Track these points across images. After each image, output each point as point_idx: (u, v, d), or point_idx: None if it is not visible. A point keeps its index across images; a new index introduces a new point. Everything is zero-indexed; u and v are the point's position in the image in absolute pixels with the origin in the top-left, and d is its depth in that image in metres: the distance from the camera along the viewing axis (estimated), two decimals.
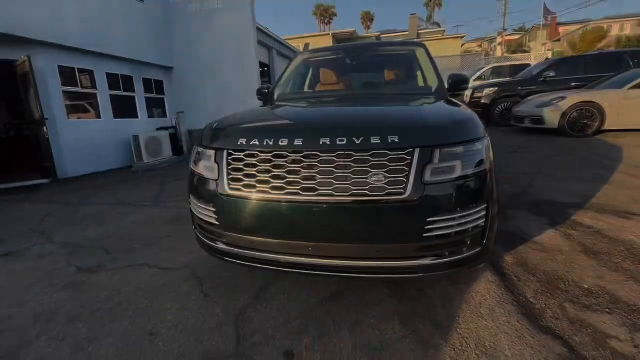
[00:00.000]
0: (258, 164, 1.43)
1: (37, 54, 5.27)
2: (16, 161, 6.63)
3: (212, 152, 1.58)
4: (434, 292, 1.78)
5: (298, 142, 1.39)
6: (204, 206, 1.58)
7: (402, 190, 1.27)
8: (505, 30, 40.42)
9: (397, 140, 1.31)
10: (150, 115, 8.16)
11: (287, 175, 1.37)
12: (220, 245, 1.59)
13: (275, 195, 1.38)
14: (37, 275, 2.22)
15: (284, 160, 1.39)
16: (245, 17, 7.56)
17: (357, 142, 1.33)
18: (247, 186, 1.44)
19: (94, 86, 6.49)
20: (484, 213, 1.40)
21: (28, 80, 5.00)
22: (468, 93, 9.38)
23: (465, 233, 1.37)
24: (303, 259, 1.42)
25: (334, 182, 1.32)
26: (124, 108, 7.23)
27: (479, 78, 11.22)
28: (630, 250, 2.08)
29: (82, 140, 6.12)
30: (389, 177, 1.29)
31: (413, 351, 1.39)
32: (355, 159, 1.32)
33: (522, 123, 7.12)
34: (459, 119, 1.50)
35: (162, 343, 1.53)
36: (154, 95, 8.24)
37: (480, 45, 50.65)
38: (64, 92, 5.87)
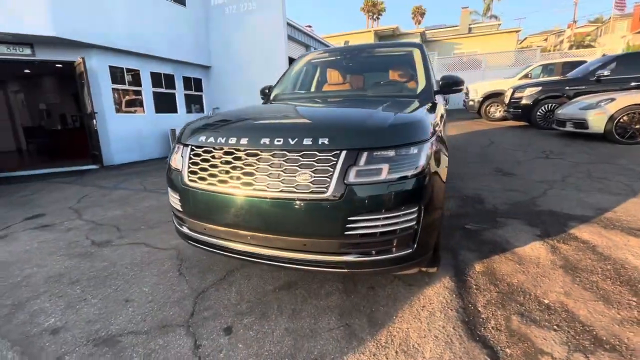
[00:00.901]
0: (211, 159, 1.61)
1: (91, 56, 6.06)
2: (76, 149, 7.68)
3: (180, 147, 1.79)
4: (384, 291, 1.83)
5: (244, 141, 1.53)
6: (173, 194, 1.81)
7: (325, 190, 1.36)
8: (575, 21, 36.29)
9: (326, 142, 1.40)
10: (189, 111, 8.87)
11: (232, 171, 1.53)
12: (185, 229, 1.81)
13: (221, 188, 1.54)
14: (60, 245, 2.66)
15: (231, 157, 1.55)
16: (276, 17, 7.85)
17: (292, 142, 1.44)
18: (200, 178, 1.62)
19: (139, 84, 7.26)
20: (414, 216, 1.42)
21: (83, 79, 5.79)
22: (508, 92, 8.74)
23: (392, 234, 1.41)
24: (245, 247, 1.57)
25: (268, 178, 1.45)
26: (165, 104, 7.96)
27: (525, 76, 10.35)
28: (617, 270, 1.91)
29: (127, 132, 6.90)
30: (314, 177, 1.38)
31: (337, 341, 1.48)
32: (287, 159, 1.44)
33: (563, 127, 6.49)
34: (395, 123, 1.53)
35: (132, 308, 1.79)
36: (192, 92, 8.93)
37: (546, 39, 46.05)
38: (113, 89, 6.66)
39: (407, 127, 1.53)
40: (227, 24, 8.58)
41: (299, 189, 1.39)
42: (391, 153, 1.40)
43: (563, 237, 2.36)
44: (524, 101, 8.17)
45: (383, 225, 1.39)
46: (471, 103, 10.99)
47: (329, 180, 1.36)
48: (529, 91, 8.11)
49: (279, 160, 1.45)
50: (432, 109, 2.07)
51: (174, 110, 8.36)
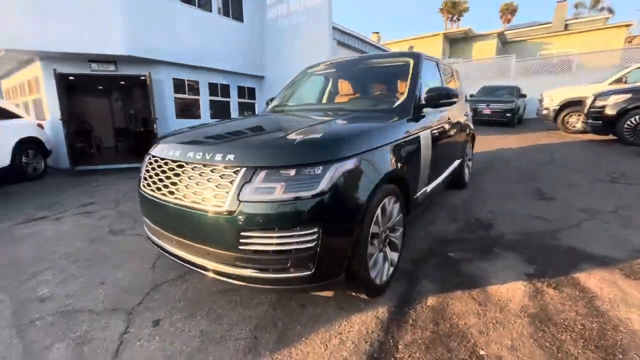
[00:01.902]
0: (157, 167, 1.81)
1: (159, 70, 7.10)
2: (142, 149, 9.02)
3: (145, 156, 2.04)
4: (312, 310, 1.79)
5: (177, 153, 1.69)
6: (139, 196, 2.07)
7: (222, 204, 1.42)
8: None
9: (232, 159, 1.47)
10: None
11: (164, 179, 1.70)
12: (145, 228, 2.05)
13: (157, 194, 1.72)
14: (86, 229, 3.22)
15: (167, 167, 1.72)
16: (322, 28, 8.07)
17: (207, 157, 1.54)
18: (147, 184, 1.83)
19: (197, 93, 8.22)
20: (312, 237, 1.39)
21: (148, 90, 6.83)
22: (588, 100, 7.36)
23: (286, 253, 1.40)
24: (173, 249, 1.72)
25: (186, 189, 1.58)
26: (220, 111, 8.84)
27: (619, 80, 8.55)
28: (604, 331, 1.53)
29: None
30: (217, 191, 1.46)
31: (235, 351, 1.52)
32: (201, 172, 1.54)
33: None
34: (300, 143, 1.50)
35: (101, 290, 2.10)
36: (246, 101, 9.71)
37: None
38: (175, 98, 7.68)
39: (312, 147, 1.50)
40: (279, 35, 9.13)
41: (205, 201, 1.48)
42: (291, 172, 1.40)
43: (559, 281, 1.96)
44: (607, 111, 6.79)
45: (277, 244, 1.39)
46: (545, 112, 9.58)
47: (227, 195, 1.42)
48: (614, 99, 6.72)
49: (196, 173, 1.56)
50: (392, 127, 1.96)
51: (228, 117, 9.21)
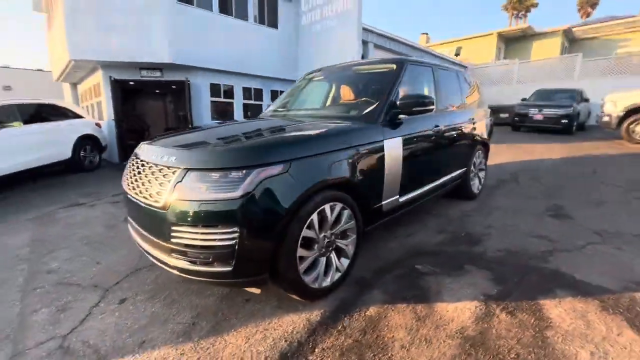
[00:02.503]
0: (132, 166, 2.07)
1: (197, 76, 7.77)
2: None
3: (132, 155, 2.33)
4: (253, 306, 1.89)
5: (148, 154, 1.92)
6: None
7: (160, 200, 1.60)
8: None
9: (173, 161, 1.65)
10: None
11: (136, 177, 1.94)
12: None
13: (127, 188, 1.97)
14: (108, 217, 3.70)
15: (135, 165, 1.96)
16: (351, 31, 8.10)
17: (162, 159, 1.74)
18: (124, 179, 2.11)
19: (232, 97, 8.79)
20: (233, 236, 1.50)
21: (185, 94, 7.52)
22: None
23: (210, 249, 1.53)
24: (137, 238, 1.96)
25: (142, 186, 1.80)
26: (253, 113, 9.34)
27: None
28: None
29: None
30: (159, 189, 1.65)
31: (171, 334, 1.69)
32: (153, 172, 1.75)
33: None
34: (229, 148, 1.61)
35: (94, 269, 2.44)
36: None
37: None
38: (211, 101, 8.32)
39: (237, 152, 1.61)
40: (312, 40, 9.36)
41: (151, 197, 1.68)
42: (216, 175, 1.53)
43: (518, 306, 1.81)
44: None
45: (201, 240, 1.54)
46: (606, 119, 8.43)
47: (164, 192, 1.60)
48: None
49: (150, 172, 1.77)
50: (342, 134, 1.99)
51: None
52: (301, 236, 1.68)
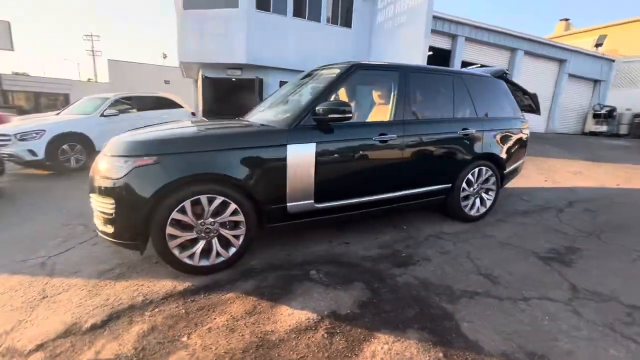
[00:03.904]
0: None
1: (268, 74, 8.74)
2: None
3: None
4: (156, 268, 2.36)
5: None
6: None
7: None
8: None
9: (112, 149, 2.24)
10: None
11: None
12: None
13: None
14: None
15: None
16: (419, 27, 7.55)
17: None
18: None
19: None
20: (112, 207, 2.00)
21: (255, 91, 8.58)
22: None
23: (104, 214, 2.06)
24: None
25: None
26: None
27: None
28: None
29: None
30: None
31: (97, 271, 2.33)
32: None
33: None
34: (124, 141, 2.08)
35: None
36: None
37: None
38: None
39: (124, 145, 2.06)
40: (384, 37, 9.14)
41: None
42: (112, 160, 2.04)
43: (349, 332, 1.72)
44: None
45: (100, 206, 2.09)
46: None
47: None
48: None
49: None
50: (232, 135, 2.25)
51: None
52: (170, 217, 2.04)
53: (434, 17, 9.21)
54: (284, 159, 2.29)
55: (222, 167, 2.13)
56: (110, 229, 2.07)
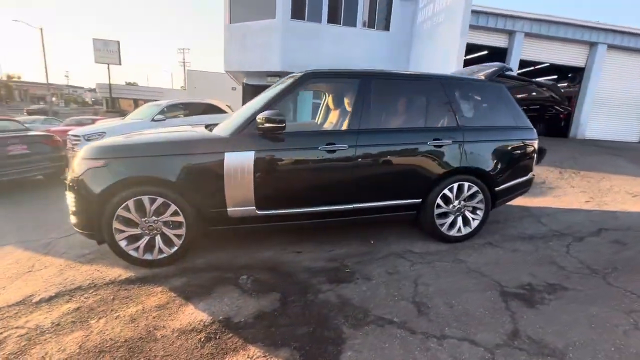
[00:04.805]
0: None
1: None
2: None
3: None
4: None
5: None
6: None
7: None
8: None
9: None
10: None
11: None
12: None
13: None
14: None
15: None
16: (455, 27, 6.93)
17: None
18: None
19: None
20: (73, 201, 2.37)
21: None
22: None
23: (71, 205, 2.47)
24: None
25: None
26: None
27: None
28: None
29: None
30: None
31: (75, 255, 2.77)
32: None
33: None
34: (87, 146, 2.41)
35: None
36: None
37: None
38: (313, 103, 9.37)
39: (87, 149, 2.40)
40: (423, 36, 8.62)
41: None
42: (78, 161, 2.43)
43: (220, 338, 1.75)
44: None
45: (68, 199, 2.49)
46: None
47: None
48: None
49: None
50: (172, 142, 2.46)
51: None
52: (116, 214, 2.33)
53: (485, 13, 8.37)
54: (222, 166, 2.41)
55: (160, 171, 2.35)
56: (74, 220, 2.46)
